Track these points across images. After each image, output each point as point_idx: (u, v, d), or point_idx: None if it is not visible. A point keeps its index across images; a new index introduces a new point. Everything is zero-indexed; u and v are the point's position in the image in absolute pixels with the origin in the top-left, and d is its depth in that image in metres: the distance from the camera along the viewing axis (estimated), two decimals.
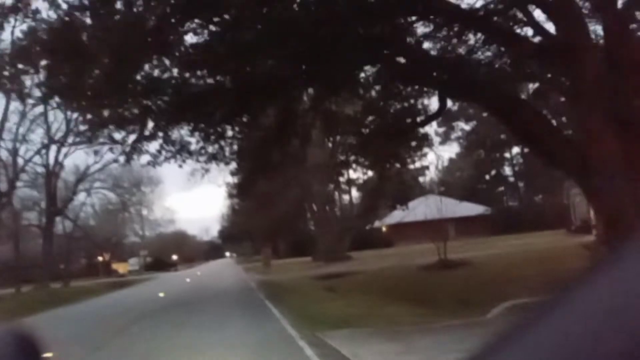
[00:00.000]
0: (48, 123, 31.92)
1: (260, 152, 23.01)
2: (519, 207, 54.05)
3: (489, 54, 14.56)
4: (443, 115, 25.63)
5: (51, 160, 35.02)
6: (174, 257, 77.60)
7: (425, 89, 19.17)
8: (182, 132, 21.13)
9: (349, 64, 16.10)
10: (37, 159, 34.79)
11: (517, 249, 25.87)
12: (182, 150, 20.91)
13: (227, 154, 22.58)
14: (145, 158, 20.43)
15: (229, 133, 22.18)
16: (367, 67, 20.25)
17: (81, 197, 46.31)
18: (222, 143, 22.31)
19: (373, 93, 22.90)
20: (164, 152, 20.46)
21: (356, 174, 48.01)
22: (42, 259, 35.12)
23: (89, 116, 18.35)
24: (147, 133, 19.89)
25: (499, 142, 54.63)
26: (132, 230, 67.77)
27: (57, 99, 14.07)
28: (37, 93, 13.26)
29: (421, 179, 65.28)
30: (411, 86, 18.16)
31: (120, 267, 62.33)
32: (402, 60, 15.37)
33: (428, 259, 27.09)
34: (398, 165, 25.65)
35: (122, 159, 20.04)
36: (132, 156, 19.55)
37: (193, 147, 21.31)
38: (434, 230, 25.31)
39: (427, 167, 62.15)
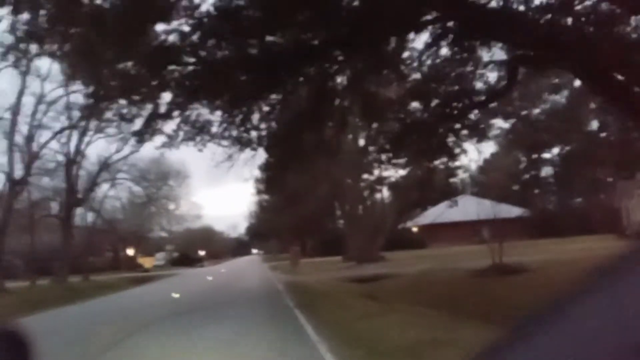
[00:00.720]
0: (69, 105, 29.14)
1: (290, 138, 19.87)
2: (559, 210, 50.00)
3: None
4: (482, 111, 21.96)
5: (73, 149, 32.51)
6: (201, 253, 75.18)
7: (489, 61, 15.83)
8: (201, 112, 18.17)
9: (404, 22, 12.93)
10: (57, 147, 32.29)
11: (575, 255, 22.18)
12: (202, 132, 17.91)
13: (253, 138, 19.53)
14: (160, 140, 17.57)
15: (256, 115, 19.15)
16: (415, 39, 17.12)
17: (106, 189, 43.96)
18: (248, 126, 19.26)
19: (419, 74, 19.71)
20: (181, 133, 17.52)
21: (388, 171, 44.70)
22: (61, 251, 32.56)
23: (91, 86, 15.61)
24: (161, 110, 16.95)
25: (539, 142, 50.70)
26: (159, 225, 65.49)
27: (34, 47, 11.13)
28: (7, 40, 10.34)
29: (452, 179, 61.67)
30: (480, 46, 14.71)
31: (146, 262, 59.96)
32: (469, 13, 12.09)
33: (474, 262, 23.70)
34: (445, 158, 22.25)
35: (134, 140, 17.17)
36: (144, 136, 16.61)
37: (215, 128, 18.30)
38: (489, 231, 21.78)
39: (459, 167, 58.63)
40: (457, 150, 20.50)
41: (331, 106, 19.62)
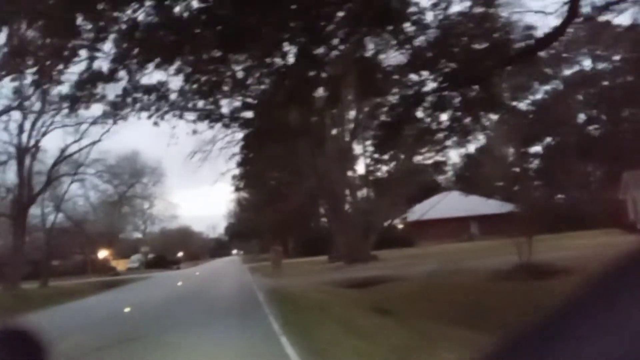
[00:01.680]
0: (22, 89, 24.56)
1: (271, 113, 15.78)
2: (552, 205, 46.57)
3: None
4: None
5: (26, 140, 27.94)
6: (179, 254, 70.43)
7: None
8: (156, 74, 13.97)
9: None
10: (7, 137, 27.72)
11: (602, 251, 18.39)
12: (158, 100, 13.72)
13: (225, 112, 15.36)
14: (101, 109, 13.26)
15: (229, 82, 15.01)
16: None
17: (71, 186, 39.44)
18: (219, 96, 15.11)
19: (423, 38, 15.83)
20: (129, 100, 13.30)
21: (378, 164, 40.86)
22: (12, 254, 27.98)
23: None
24: (102, 70, 12.69)
25: (529, 135, 47.31)
26: (134, 225, 60.84)
27: None
28: None
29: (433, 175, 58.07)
30: None
31: (119, 264, 55.18)
32: None
33: (482, 261, 20.04)
34: (456, 138, 18.27)
35: (66, 106, 12.84)
36: (78, 101, 12.33)
37: (175, 97, 14.11)
38: (519, 225, 17.90)
39: (444, 162, 55.15)
40: (473, 127, 16.69)
41: (321, 74, 15.62)
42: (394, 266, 22.77)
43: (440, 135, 17.13)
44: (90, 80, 11.78)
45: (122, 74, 12.21)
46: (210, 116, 14.41)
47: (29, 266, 35.56)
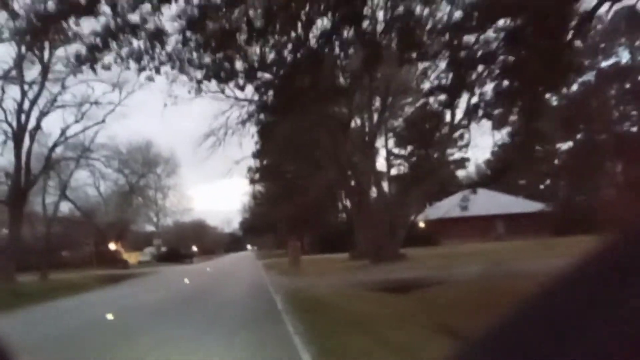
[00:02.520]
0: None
1: (297, 71, 12.52)
2: (585, 204, 42.78)
3: None
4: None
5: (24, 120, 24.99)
6: (194, 248, 67.54)
7: None
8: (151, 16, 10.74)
9: None
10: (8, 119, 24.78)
11: None
12: (152, 45, 10.49)
13: (238, 69, 12.08)
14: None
15: (243, 33, 11.73)
16: None
17: (80, 174, 36.75)
18: (231, 50, 11.89)
19: None
20: (113, 43, 10.06)
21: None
22: (8, 244, 25.05)
23: None
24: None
25: (560, 130, 43.55)
26: (146, 217, 57.97)
27: None
28: None
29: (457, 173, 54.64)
30: None
31: (130, 257, 52.35)
32: None
33: (532, 262, 16.74)
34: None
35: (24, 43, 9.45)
36: (39, 35, 9.07)
37: (173, 40, 10.86)
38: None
39: (467, 159, 51.58)
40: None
41: (359, 29, 12.30)
42: (428, 266, 19.41)
43: (498, 110, 13.65)
44: (59, 11, 8.57)
45: (102, 7, 8.98)
46: (220, 74, 11.11)
47: (33, 257, 32.78)
